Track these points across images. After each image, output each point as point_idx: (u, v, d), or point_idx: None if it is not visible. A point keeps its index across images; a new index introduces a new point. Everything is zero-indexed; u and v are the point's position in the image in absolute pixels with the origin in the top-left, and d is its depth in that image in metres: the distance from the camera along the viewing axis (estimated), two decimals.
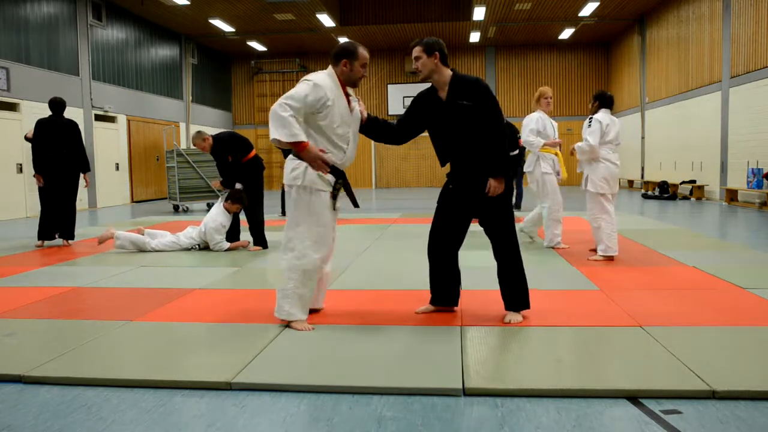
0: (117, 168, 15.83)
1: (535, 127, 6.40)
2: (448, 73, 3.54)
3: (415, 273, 4.98)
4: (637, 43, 18.30)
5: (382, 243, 7.17)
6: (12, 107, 12.01)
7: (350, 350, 3.12)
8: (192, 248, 6.77)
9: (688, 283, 4.67)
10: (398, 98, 22.21)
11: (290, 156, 3.50)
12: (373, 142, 21.25)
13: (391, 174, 23.11)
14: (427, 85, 3.67)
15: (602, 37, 20.96)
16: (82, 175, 7.55)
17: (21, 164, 12.10)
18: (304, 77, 3.45)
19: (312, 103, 3.33)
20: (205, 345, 3.29)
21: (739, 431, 2.21)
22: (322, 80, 3.41)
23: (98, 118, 14.88)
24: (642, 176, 18.21)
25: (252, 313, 3.90)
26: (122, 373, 2.85)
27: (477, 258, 5.42)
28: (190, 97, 19.65)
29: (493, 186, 3.48)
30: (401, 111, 21.11)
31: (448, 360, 2.91)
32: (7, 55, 11.83)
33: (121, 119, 15.96)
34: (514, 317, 3.59)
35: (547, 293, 4.30)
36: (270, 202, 11.34)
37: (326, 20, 17.24)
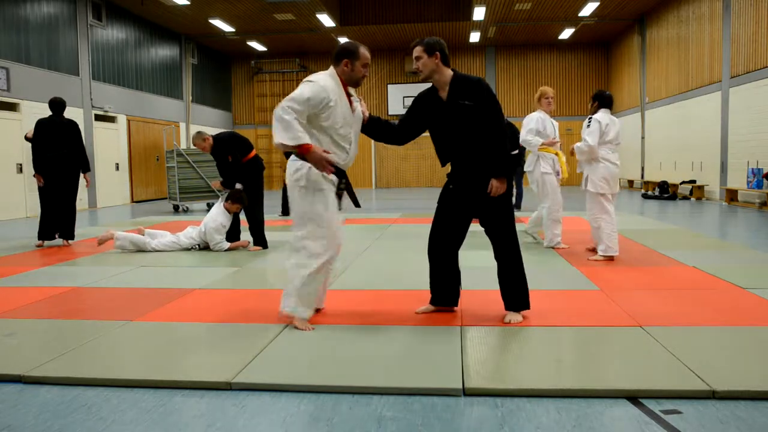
0: (117, 168, 15.83)
1: (534, 126, 6.40)
2: (449, 73, 3.54)
3: (415, 273, 4.98)
4: (637, 43, 18.30)
5: (382, 243, 7.17)
6: (12, 107, 12.01)
7: (350, 350, 3.12)
8: (192, 248, 6.77)
9: (688, 283, 4.67)
10: (398, 98, 22.21)
11: (292, 157, 3.50)
12: (373, 141, 21.38)
13: (391, 174, 23.11)
14: (428, 85, 3.67)
15: (602, 37, 20.96)
16: (82, 175, 7.55)
17: (21, 164, 12.10)
18: (306, 78, 3.45)
19: (314, 104, 3.33)
20: (205, 345, 3.30)
21: (739, 431, 2.21)
22: (324, 81, 3.41)
23: (98, 118, 14.88)
24: (642, 176, 18.21)
25: (252, 313, 3.90)
26: (122, 373, 2.85)
27: (477, 258, 5.42)
28: (190, 97, 19.65)
29: (495, 186, 3.47)
30: (401, 111, 21.13)
31: (448, 360, 2.91)
32: (7, 55, 11.83)
33: (121, 119, 15.96)
34: (514, 317, 3.59)
35: (547, 293, 4.30)
36: (270, 202, 11.34)
37: (326, 20, 17.25)
